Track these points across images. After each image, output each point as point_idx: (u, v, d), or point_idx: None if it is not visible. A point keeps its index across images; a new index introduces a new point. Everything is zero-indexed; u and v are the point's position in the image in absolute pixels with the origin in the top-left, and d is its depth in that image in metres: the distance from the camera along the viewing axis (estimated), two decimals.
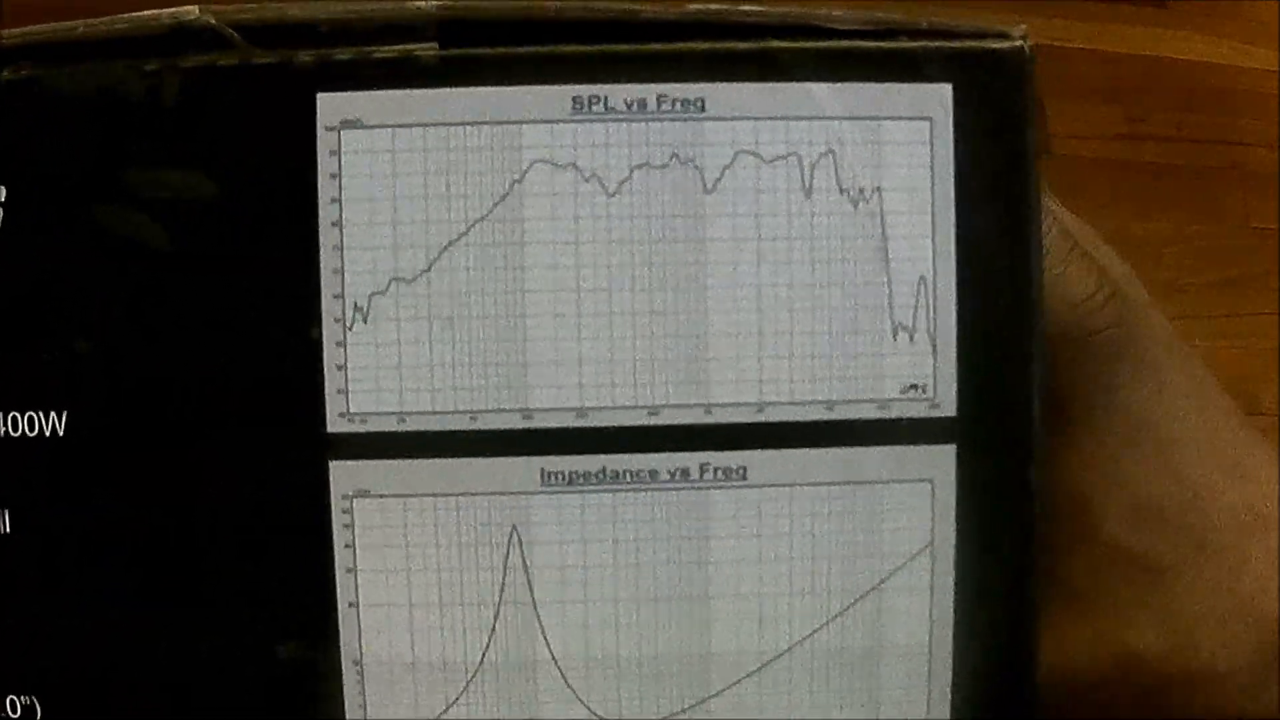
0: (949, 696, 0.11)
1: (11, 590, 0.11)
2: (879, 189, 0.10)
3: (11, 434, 0.11)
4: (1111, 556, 0.12)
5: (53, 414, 0.11)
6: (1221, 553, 0.13)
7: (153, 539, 0.11)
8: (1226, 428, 0.13)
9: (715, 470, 0.10)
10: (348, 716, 0.11)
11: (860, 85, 0.10)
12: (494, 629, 0.11)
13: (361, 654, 0.11)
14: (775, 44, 0.10)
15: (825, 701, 0.11)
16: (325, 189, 0.10)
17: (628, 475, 0.10)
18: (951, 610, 0.11)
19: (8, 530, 0.11)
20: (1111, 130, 0.54)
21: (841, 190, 0.10)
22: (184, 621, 0.11)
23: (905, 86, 0.10)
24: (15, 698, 0.11)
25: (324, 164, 0.10)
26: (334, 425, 0.10)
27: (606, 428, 0.10)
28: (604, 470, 0.10)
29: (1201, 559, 0.13)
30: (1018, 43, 0.10)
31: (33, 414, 0.11)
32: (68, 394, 0.11)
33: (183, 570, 0.11)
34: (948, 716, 0.11)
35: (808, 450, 0.10)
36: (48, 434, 0.11)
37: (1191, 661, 0.12)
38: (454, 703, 0.11)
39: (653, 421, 0.10)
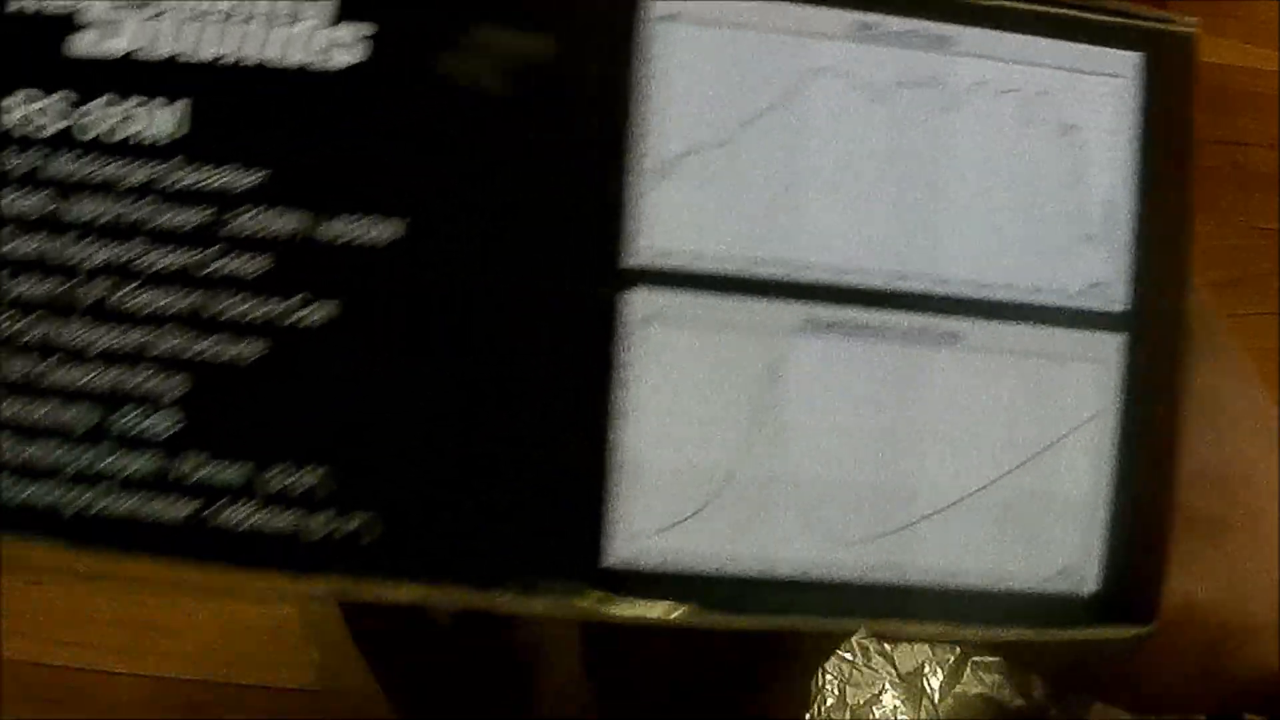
0: (1101, 544, 0.14)
1: (325, 368, 0.13)
2: (1081, 126, 0.14)
3: (354, 231, 0.13)
4: (1178, 515, 0.15)
5: (395, 219, 0.13)
6: (1272, 519, 0.16)
7: (463, 338, 0.13)
8: (1275, 407, 0.17)
9: (938, 333, 0.14)
10: (610, 509, 0.13)
11: (1073, 44, 0.14)
12: (745, 447, 0.13)
13: (629, 457, 0.13)
14: (1011, 4, 0.14)
15: (1006, 535, 0.14)
16: (644, 66, 0.13)
17: (870, 328, 0.14)
18: (1109, 472, 0.14)
19: (337, 315, 0.13)
20: None
21: (1053, 124, 0.14)
22: (482, 417, 0.13)
23: (1108, 50, 0.14)
24: (311, 466, 0.13)
25: (646, 47, 0.13)
26: (631, 260, 0.13)
27: (858, 287, 0.13)
28: (853, 321, 0.14)
29: (1255, 524, 0.16)
30: (1191, 29, 0.14)
31: (370, 221, 0.13)
32: (409, 203, 0.13)
33: (487, 369, 0.13)
34: (1098, 560, 0.14)
35: (1011, 324, 0.14)
36: (387, 236, 0.13)
37: (1244, 614, 0.15)
38: (703, 507, 0.13)
39: (894, 286, 0.14)
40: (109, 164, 0.13)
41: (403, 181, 0.13)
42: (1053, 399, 0.14)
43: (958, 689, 0.48)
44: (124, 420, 0.13)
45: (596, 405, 0.13)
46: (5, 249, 0.13)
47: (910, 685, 0.48)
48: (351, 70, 0.13)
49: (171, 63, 0.13)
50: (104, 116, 0.13)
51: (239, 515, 0.13)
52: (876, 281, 0.14)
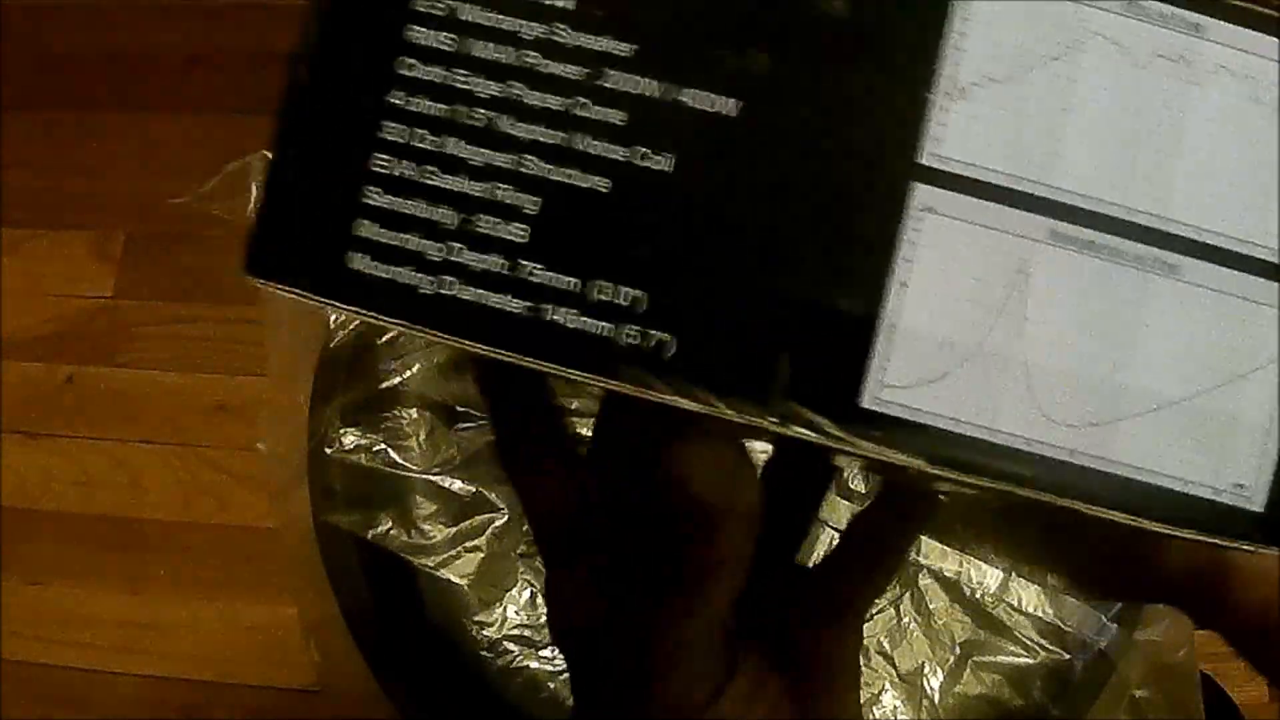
0: (1272, 470, 0.17)
1: (653, 208, 0.16)
2: None
3: (693, 105, 0.16)
4: None
5: (730, 100, 0.16)
6: None
7: (776, 200, 0.16)
8: None
9: (1161, 262, 0.16)
10: (871, 360, 0.16)
11: None
12: (989, 328, 0.16)
13: (895, 319, 0.16)
14: (1254, 7, 0.17)
15: (1193, 445, 0.16)
16: (957, 9, 0.16)
17: (1105, 248, 0.16)
18: None
19: (671, 168, 0.16)
20: None
21: (1276, 108, 0.17)
22: (781, 266, 0.16)
23: None
24: (629, 286, 0.16)
25: None
26: (924, 159, 0.16)
27: (1099, 212, 0.16)
28: (1091, 240, 0.16)
29: None
30: None
31: (713, 95, 0.16)
32: (742, 87, 0.16)
33: (793, 228, 0.16)
34: (1267, 483, 0.16)
35: (1221, 267, 0.17)
36: (722, 112, 0.16)
37: None
38: (948, 373, 0.16)
39: (1129, 218, 0.17)
40: (511, 17, 0.16)
41: (745, 69, 0.16)
42: (1247, 336, 0.17)
43: (958, 689, 0.49)
44: (483, 224, 0.16)
45: (877, 271, 0.16)
46: (414, 73, 0.16)
47: (910, 685, 0.49)
48: None
49: None
50: None
51: (564, 318, 0.16)
52: (1115, 211, 0.17)
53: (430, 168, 0.16)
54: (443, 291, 0.16)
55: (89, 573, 1.04)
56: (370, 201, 0.16)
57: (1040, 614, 0.50)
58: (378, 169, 0.16)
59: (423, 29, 0.16)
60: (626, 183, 0.16)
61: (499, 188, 0.16)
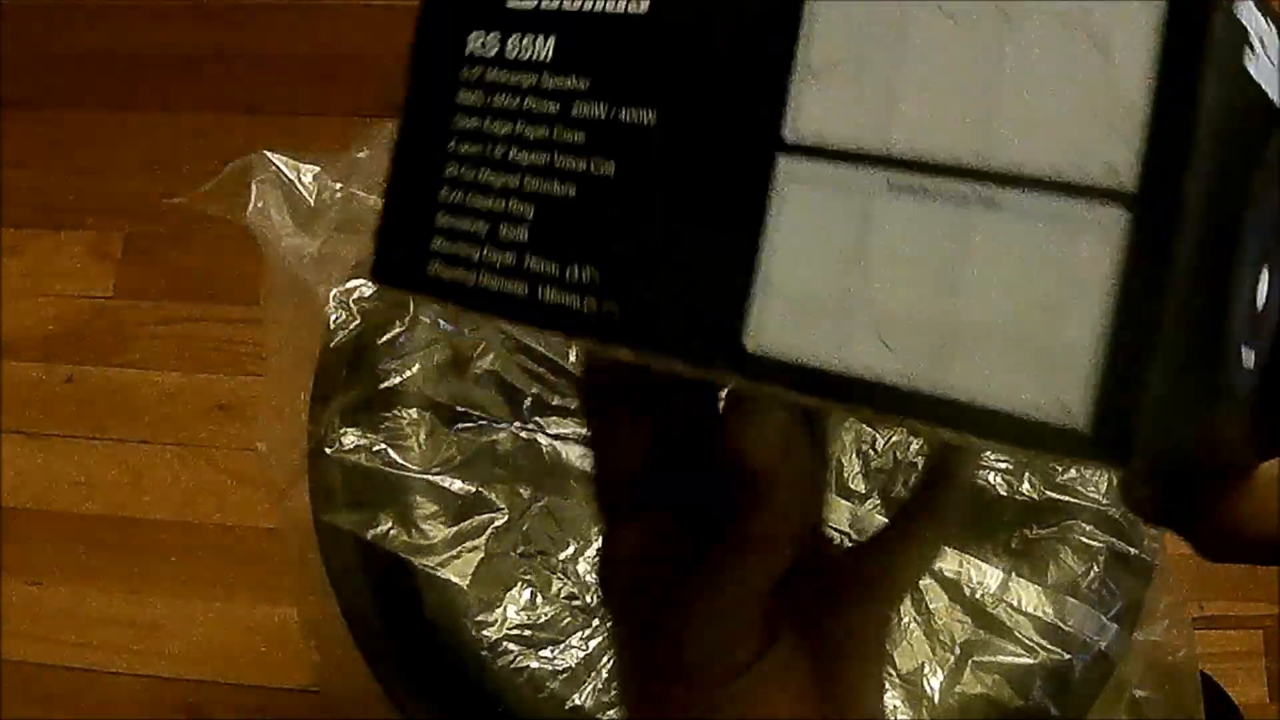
0: (1093, 389, 0.17)
1: (603, 204, 0.20)
2: (1111, 39, 0.17)
3: (627, 117, 0.20)
4: None
5: (651, 109, 0.20)
6: None
7: (682, 187, 0.20)
8: None
9: (983, 198, 0.18)
10: (749, 311, 0.19)
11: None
12: (838, 275, 0.18)
13: (767, 274, 0.19)
14: None
15: (1020, 368, 0.17)
16: (808, 6, 0.19)
17: (934, 192, 0.18)
18: (1109, 329, 0.17)
19: (613, 171, 0.21)
20: None
21: (1089, 37, 0.17)
22: (685, 241, 0.20)
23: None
24: (588, 266, 0.20)
25: None
26: (786, 136, 0.19)
27: (927, 161, 0.18)
28: (921, 186, 0.18)
29: None
30: None
31: (642, 109, 0.20)
32: (663, 99, 0.20)
33: (690, 206, 0.20)
34: (1089, 402, 0.17)
35: (1040, 195, 0.17)
36: (646, 121, 0.20)
37: None
38: (806, 317, 0.18)
39: (954, 162, 0.18)
40: (515, 73, 0.22)
41: (662, 90, 0.20)
42: (1071, 260, 0.17)
43: (958, 689, 0.50)
44: (502, 231, 0.22)
45: (753, 237, 0.19)
46: (461, 125, 0.22)
47: (910, 685, 0.50)
48: (644, 13, 0.21)
49: (557, 11, 0.21)
50: (515, 45, 0.22)
51: (550, 295, 0.21)
52: (942, 158, 0.18)
53: (471, 193, 0.22)
54: (480, 283, 0.22)
55: (89, 573, 1.04)
56: (439, 223, 0.22)
57: (1040, 614, 0.51)
58: (443, 199, 0.22)
59: (466, 91, 0.22)
60: (586, 188, 0.21)
61: (511, 202, 0.22)
